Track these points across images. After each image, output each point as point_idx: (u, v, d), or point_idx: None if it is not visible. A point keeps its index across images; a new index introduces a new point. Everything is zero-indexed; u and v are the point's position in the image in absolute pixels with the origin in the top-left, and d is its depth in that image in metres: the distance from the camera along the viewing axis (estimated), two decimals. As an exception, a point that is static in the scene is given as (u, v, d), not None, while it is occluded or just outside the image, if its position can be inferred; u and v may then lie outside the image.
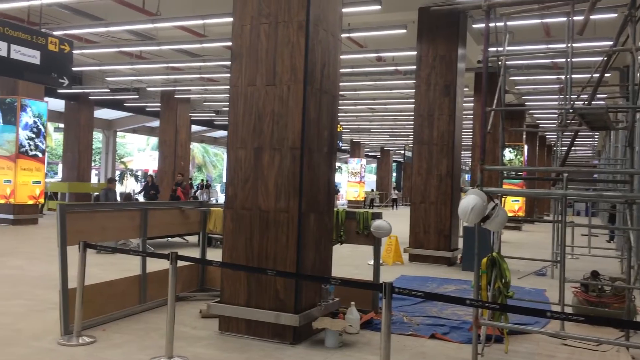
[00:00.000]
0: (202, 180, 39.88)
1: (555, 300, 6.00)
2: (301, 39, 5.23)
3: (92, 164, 27.34)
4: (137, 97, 22.20)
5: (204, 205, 7.86)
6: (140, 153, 50.54)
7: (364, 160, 41.56)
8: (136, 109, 26.76)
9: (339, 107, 6.56)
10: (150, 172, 23.57)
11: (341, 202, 40.19)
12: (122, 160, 47.66)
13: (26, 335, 5.14)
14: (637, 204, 7.45)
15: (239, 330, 5.34)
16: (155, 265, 6.21)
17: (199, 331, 5.49)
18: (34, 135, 15.36)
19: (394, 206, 38.44)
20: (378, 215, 6.52)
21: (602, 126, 5.77)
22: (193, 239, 12.05)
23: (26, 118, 15.12)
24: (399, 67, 15.44)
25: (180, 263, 4.76)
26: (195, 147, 46.23)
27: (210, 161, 53.78)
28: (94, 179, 30.74)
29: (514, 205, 20.44)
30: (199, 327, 5.63)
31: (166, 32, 13.83)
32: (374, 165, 55.32)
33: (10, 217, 14.92)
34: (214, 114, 28.72)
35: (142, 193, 17.36)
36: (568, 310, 6.14)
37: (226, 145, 5.79)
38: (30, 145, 15.26)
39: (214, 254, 8.17)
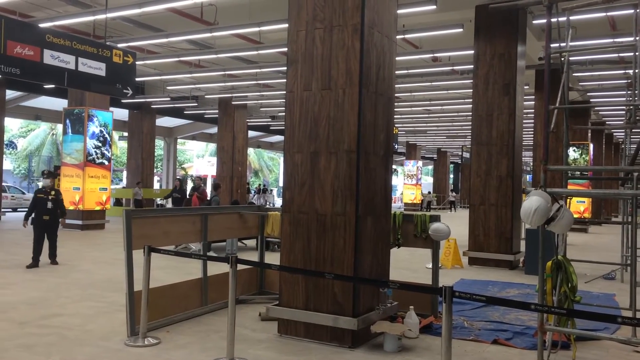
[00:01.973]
0: (259, 184, 40.53)
1: (626, 305, 5.71)
2: (356, 43, 5.23)
3: (155, 171, 28.30)
4: (196, 104, 22.84)
5: (261, 209, 7.98)
6: (200, 159, 51.91)
7: (420, 162, 41.03)
8: (195, 117, 27.50)
9: (395, 110, 6.51)
10: (179, 177, 23.97)
11: (397, 205, 39.82)
12: (182, 166, 49.10)
13: (95, 336, 5.37)
14: None
15: (297, 333, 5.38)
16: (216, 268, 6.36)
17: (258, 334, 5.57)
18: (100, 144, 16.07)
19: (452, 208, 37.75)
20: (436, 218, 6.43)
21: (674, 122, 5.46)
22: (252, 242, 12.25)
23: (93, 127, 15.83)
24: (455, 67, 15.16)
25: (239, 267, 4.84)
26: (251, 152, 47.03)
27: (267, 165, 54.57)
28: (156, 185, 31.82)
29: (579, 206, 19.63)
30: (258, 330, 5.71)
31: (223, 40, 14.16)
32: (431, 167, 54.52)
33: (79, 222, 15.65)
34: (270, 119, 29.14)
35: (170, 198, 17.67)
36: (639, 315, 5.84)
37: (282, 149, 5.85)
38: (97, 153, 15.97)
39: (272, 258, 8.27)
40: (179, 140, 34.44)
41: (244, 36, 13.35)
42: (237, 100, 23.06)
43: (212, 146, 41.97)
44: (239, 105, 23.74)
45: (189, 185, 43.15)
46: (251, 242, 12.27)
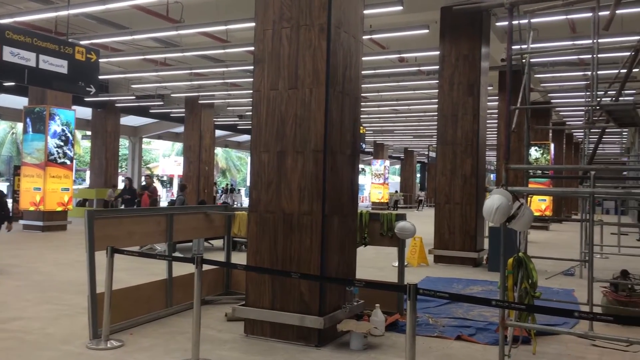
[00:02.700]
0: (227, 184, 40.21)
1: (584, 301, 5.89)
2: (323, 42, 5.25)
3: (119, 170, 27.79)
4: (162, 103, 22.50)
5: (228, 209, 7.93)
6: (166, 159, 51.17)
7: (387, 162, 41.38)
8: (161, 116, 27.10)
9: (362, 109, 6.56)
10: (128, 176, 23.40)
11: (365, 204, 40.08)
12: (147, 166, 48.33)
13: (56, 339, 5.24)
14: (668, 201, 7.28)
15: (264, 333, 5.37)
16: (182, 269, 6.29)
17: (224, 334, 5.54)
18: (62, 143, 15.67)
19: (419, 207, 38.17)
20: (402, 217, 6.50)
21: (630, 122, 5.64)
22: (219, 243, 12.16)
23: (54, 126, 15.44)
24: (421, 68, 15.33)
25: (205, 267, 4.80)
26: (219, 152, 46.64)
27: (234, 165, 54.19)
28: (120, 185, 31.25)
29: (540, 204, 20.11)
30: (224, 330, 5.67)
31: (190, 38, 13.99)
32: (398, 166, 55.04)
33: (40, 224, 15.24)
34: (237, 119, 28.93)
35: (120, 198, 16.76)
36: (597, 310, 6.02)
37: (250, 149, 5.83)
38: (58, 153, 15.57)
39: (239, 258, 8.23)
40: (144, 140, 33.86)
41: (210, 34, 13.22)
42: (204, 99, 22.83)
43: (179, 145, 41.46)
44: (206, 104, 23.51)
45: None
46: (218, 242, 12.17)
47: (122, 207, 16.01)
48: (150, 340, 5.27)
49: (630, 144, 24.43)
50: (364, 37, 7.19)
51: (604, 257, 11.32)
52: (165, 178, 49.24)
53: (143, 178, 19.19)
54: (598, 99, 5.27)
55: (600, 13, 5.32)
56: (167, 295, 6.30)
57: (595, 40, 5.21)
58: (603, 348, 5.25)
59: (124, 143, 33.75)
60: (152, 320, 5.94)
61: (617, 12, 5.57)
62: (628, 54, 6.46)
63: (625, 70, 6.11)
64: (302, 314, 5.16)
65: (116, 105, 23.52)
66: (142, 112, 25.71)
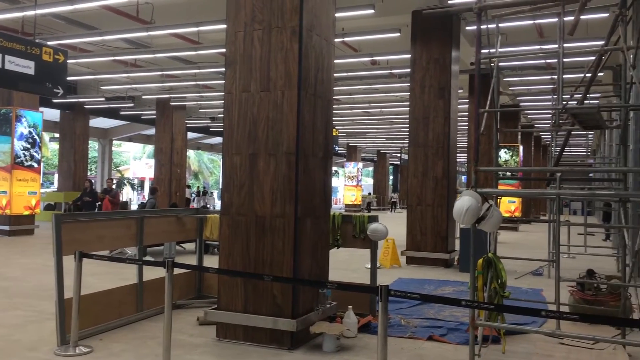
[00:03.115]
0: (199, 187, 39.84)
1: (552, 300, 6.01)
2: (295, 45, 5.26)
3: (88, 173, 27.29)
4: (133, 105, 22.19)
5: (200, 212, 7.86)
6: (137, 161, 50.46)
7: (360, 164, 41.57)
8: (132, 118, 26.72)
9: (335, 112, 6.59)
10: (90, 178, 22.78)
11: (338, 206, 40.18)
12: (118, 169, 47.59)
13: (23, 346, 5.12)
14: (631, 202, 7.49)
15: (236, 336, 5.34)
16: (153, 273, 6.21)
17: (196, 338, 5.49)
18: (29, 146, 15.33)
19: (392, 209, 38.44)
20: (374, 219, 6.54)
21: (595, 125, 5.81)
22: (191, 246, 12.03)
23: (21, 128, 15.09)
24: (393, 71, 15.46)
25: (177, 271, 4.76)
26: (191, 154, 46.21)
27: (207, 167, 53.74)
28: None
29: (510, 205, 20.47)
30: (196, 335, 5.62)
31: (161, 39, 13.84)
32: (371, 168, 55.35)
33: (6, 228, 14.86)
34: (209, 121, 28.72)
35: (80, 200, 15.99)
36: (564, 309, 6.16)
37: (222, 151, 5.80)
38: (25, 155, 15.22)
39: (211, 261, 8.16)
40: (114, 142, 33.35)
41: (182, 36, 13.11)
42: (175, 101, 22.60)
43: (150, 148, 40.92)
44: (178, 106, 23.27)
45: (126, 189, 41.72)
46: (190, 246, 12.05)
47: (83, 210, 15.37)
48: (121, 346, 5.19)
49: (595, 146, 25.08)
50: (336, 39, 7.24)
51: (571, 257, 11.57)
52: (136, 181, 48.53)
53: (86, 180, 18.32)
54: (564, 103, 5.39)
55: (565, 18, 5.44)
56: (137, 299, 6.21)
57: (560, 45, 5.33)
58: (570, 346, 5.36)
59: (94, 145, 33.19)
60: (122, 326, 5.85)
61: (582, 17, 5.71)
62: (593, 58, 6.64)
63: (590, 75, 6.28)
64: (275, 317, 5.15)
65: (85, 107, 23.09)
66: (112, 114, 25.31)
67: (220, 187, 5.93)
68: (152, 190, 13.20)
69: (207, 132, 33.04)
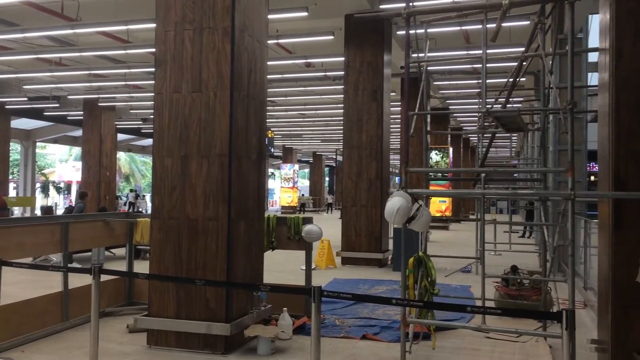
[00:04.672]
0: (131, 190, 38.62)
1: (479, 296, 6.25)
2: (227, 46, 5.21)
3: (10, 177, 25.86)
4: (58, 105, 21.22)
5: (130, 216, 7.63)
6: (63, 164, 48.26)
7: (296, 166, 41.66)
8: (57, 118, 25.55)
9: (270, 113, 6.58)
10: None
11: (275, 208, 40.09)
12: (42, 172, 45.34)
13: None
14: (551, 200, 7.92)
15: (168, 343, 5.22)
16: (80, 280, 5.96)
17: (125, 347, 5.32)
18: (-58, 148, 14.34)
19: (328, 210, 38.75)
20: (309, 220, 6.57)
21: (517, 128, 6.08)
22: (121, 251, 11.64)
23: None
24: (328, 73, 15.61)
25: (105, 277, 4.59)
26: (123, 157, 44.73)
27: (139, 170, 52.15)
28: (12, 193, 29.13)
29: (441, 205, 21.12)
30: (125, 343, 5.44)
31: (87, 38, 13.31)
32: (307, 170, 55.59)
33: None
34: (141, 122, 27.91)
35: None
36: (490, 304, 6.43)
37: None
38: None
39: (143, 266, 7.92)
40: (38, 144, 31.75)
41: (110, 34, 12.67)
42: (104, 102, 21.82)
43: (77, 150, 39.24)
44: (107, 107, 22.48)
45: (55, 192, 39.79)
46: (120, 251, 11.65)
47: None
48: (44, 357, 4.96)
49: (520, 148, 26.30)
50: (271, 41, 7.24)
51: (497, 254, 12.08)
52: (62, 185, 46.41)
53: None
54: (488, 106, 5.62)
55: (488, 25, 5.69)
56: (63, 308, 5.95)
57: (484, 51, 5.56)
58: (496, 340, 5.60)
59: (16, 147, 31.46)
60: (46, 336, 5.59)
61: (505, 25, 5.99)
62: (515, 64, 6.97)
63: (512, 79, 6.59)
64: (209, 322, 5.07)
65: (6, 107, 21.89)
66: (35, 114, 24.13)
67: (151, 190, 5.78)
68: (82, 195, 12.68)
69: (139, 133, 32.11)
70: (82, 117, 22.86)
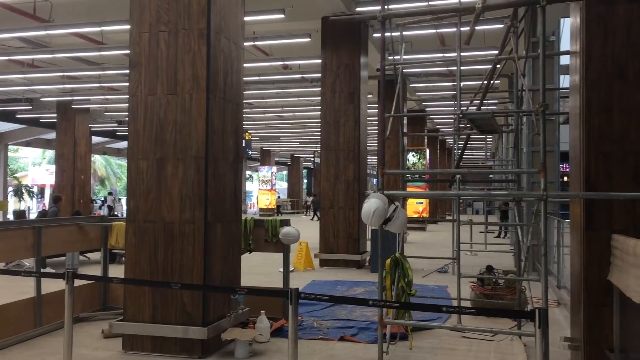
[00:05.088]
0: (109, 193, 38.08)
1: (456, 296, 6.31)
2: (202, 48, 5.18)
3: (-19, 181, 25.29)
4: (31, 107, 20.87)
5: (104, 219, 7.52)
6: (36, 167, 47.36)
7: (274, 168, 41.54)
8: (29, 121, 25.10)
9: (247, 116, 6.57)
10: None
11: (253, 211, 39.93)
12: (15, 175, 44.42)
13: None
14: (525, 201, 8.04)
15: (144, 348, 5.16)
16: (54, 285, 5.86)
17: (100, 352, 5.24)
18: None
19: (306, 213, 38.74)
20: (286, 222, 6.56)
21: (491, 130, 6.17)
22: (96, 255, 11.47)
23: None
24: (305, 75, 15.62)
25: (79, 282, 4.53)
26: (98, 159, 44.10)
27: (114, 173, 51.46)
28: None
29: (418, 206, 21.27)
30: (100, 348, 5.37)
31: (60, 39, 13.10)
32: (285, 172, 55.48)
33: None
34: (116, 125, 27.55)
35: None
36: (466, 304, 6.49)
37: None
38: None
39: (118, 271, 7.82)
40: (10, 147, 31.14)
41: (84, 35, 12.48)
42: (78, 104, 21.49)
43: (51, 153, 38.58)
44: (81, 109, 22.13)
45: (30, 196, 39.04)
46: (95, 255, 11.48)
47: None
48: (16, 365, 4.86)
49: (495, 149, 26.66)
50: (247, 43, 7.22)
51: (473, 254, 12.21)
52: (35, 189, 45.53)
53: None
54: (463, 108, 5.69)
55: (462, 28, 5.75)
56: (36, 314, 5.84)
57: (458, 54, 5.63)
58: (472, 339, 5.66)
59: (-14, 151, 30.80)
60: (19, 342, 5.48)
61: (479, 28, 6.07)
62: (489, 66, 7.07)
63: (486, 82, 6.68)
64: (185, 326, 5.03)
65: (-24, 109, 21.44)
66: (7, 117, 23.68)
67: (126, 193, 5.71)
68: (55, 199, 12.48)
69: (114, 136, 31.71)
70: (55, 120, 22.47)
